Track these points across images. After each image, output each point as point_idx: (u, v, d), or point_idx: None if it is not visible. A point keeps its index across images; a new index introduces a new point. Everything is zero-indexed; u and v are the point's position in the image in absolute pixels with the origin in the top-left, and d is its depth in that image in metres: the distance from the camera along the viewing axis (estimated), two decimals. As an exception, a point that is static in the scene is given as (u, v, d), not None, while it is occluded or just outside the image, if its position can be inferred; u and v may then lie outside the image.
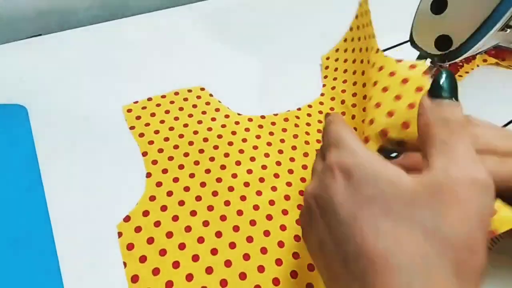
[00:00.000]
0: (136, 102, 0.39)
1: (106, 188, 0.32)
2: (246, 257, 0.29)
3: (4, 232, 0.28)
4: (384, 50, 0.49)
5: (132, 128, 0.37)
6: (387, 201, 0.17)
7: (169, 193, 0.32)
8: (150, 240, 0.28)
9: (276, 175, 0.34)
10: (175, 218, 0.30)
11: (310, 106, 0.41)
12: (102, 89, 0.40)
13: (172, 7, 0.54)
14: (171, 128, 0.37)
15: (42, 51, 0.44)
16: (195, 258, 0.28)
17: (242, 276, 0.28)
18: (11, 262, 0.26)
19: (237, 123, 0.38)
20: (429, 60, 0.34)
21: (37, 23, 0.49)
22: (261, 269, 0.28)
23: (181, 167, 0.34)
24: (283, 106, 0.41)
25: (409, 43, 0.47)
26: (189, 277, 0.27)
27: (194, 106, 0.39)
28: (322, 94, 0.43)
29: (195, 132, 0.37)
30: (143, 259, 0.27)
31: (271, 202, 0.32)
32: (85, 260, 0.27)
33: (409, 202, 0.17)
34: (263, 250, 0.29)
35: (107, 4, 0.53)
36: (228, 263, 0.28)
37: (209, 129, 0.37)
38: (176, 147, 0.35)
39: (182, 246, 0.28)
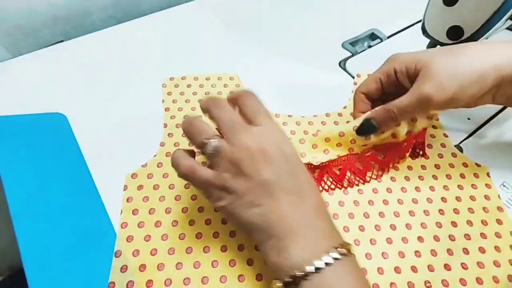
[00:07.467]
0: (172, 78, 0.43)
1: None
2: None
3: (71, 236, 0.30)
4: (390, 36, 0.51)
5: (162, 101, 0.41)
6: None
7: None
8: (146, 199, 0.33)
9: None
10: (172, 187, 0.34)
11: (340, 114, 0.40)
12: (131, 88, 0.42)
13: (183, 3, 0.55)
14: (193, 109, 0.40)
15: (67, 56, 0.46)
16: (175, 223, 0.31)
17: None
18: (79, 258, 0.29)
19: None
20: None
21: (55, 29, 0.50)
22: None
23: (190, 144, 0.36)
24: (307, 106, 0.41)
25: (409, 29, 0.50)
26: (165, 237, 0.30)
27: (219, 93, 0.42)
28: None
29: None
30: (135, 212, 0.32)
31: None
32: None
33: None
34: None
35: (120, 5, 0.54)
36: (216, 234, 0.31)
37: None
38: None
39: (168, 210, 0.32)
